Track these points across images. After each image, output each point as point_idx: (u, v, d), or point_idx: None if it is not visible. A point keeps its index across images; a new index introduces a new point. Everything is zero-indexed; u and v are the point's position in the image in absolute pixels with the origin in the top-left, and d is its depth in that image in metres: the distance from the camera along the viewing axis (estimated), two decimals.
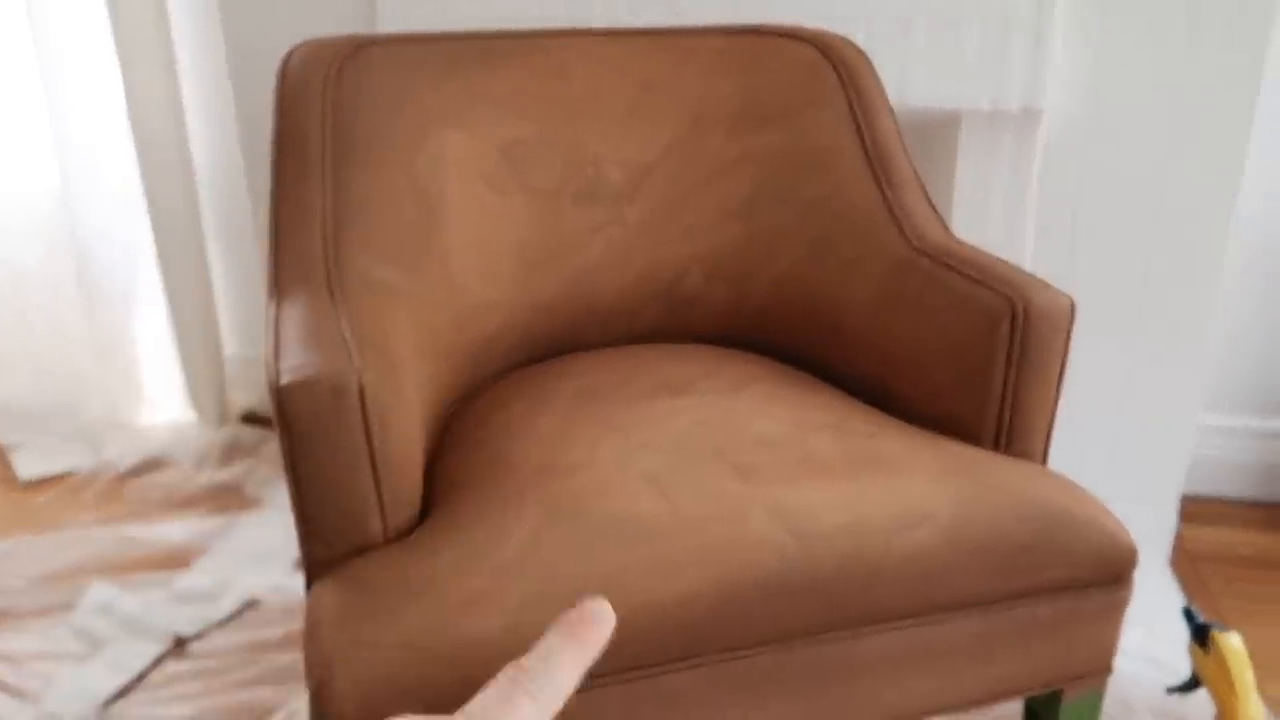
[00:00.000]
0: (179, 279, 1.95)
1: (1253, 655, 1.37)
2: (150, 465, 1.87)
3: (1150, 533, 1.56)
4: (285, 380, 0.75)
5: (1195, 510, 1.71)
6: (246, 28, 1.62)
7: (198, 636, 1.43)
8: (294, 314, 0.87)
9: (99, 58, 1.84)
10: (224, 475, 1.85)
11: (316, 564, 0.81)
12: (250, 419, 2.05)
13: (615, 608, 0.75)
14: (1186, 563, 1.58)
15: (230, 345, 2.10)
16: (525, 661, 0.28)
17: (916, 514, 0.82)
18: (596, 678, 0.76)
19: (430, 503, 0.89)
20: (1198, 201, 1.41)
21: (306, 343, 0.80)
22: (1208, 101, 1.37)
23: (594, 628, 0.29)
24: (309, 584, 0.81)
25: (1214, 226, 1.42)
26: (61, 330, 2.04)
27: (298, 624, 1.46)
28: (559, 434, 0.92)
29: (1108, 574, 0.86)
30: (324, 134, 1.00)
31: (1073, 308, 0.92)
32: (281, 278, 0.94)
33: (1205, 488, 1.75)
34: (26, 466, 1.87)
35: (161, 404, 2.05)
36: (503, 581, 0.75)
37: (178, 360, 2.00)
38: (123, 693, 1.33)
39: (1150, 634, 1.38)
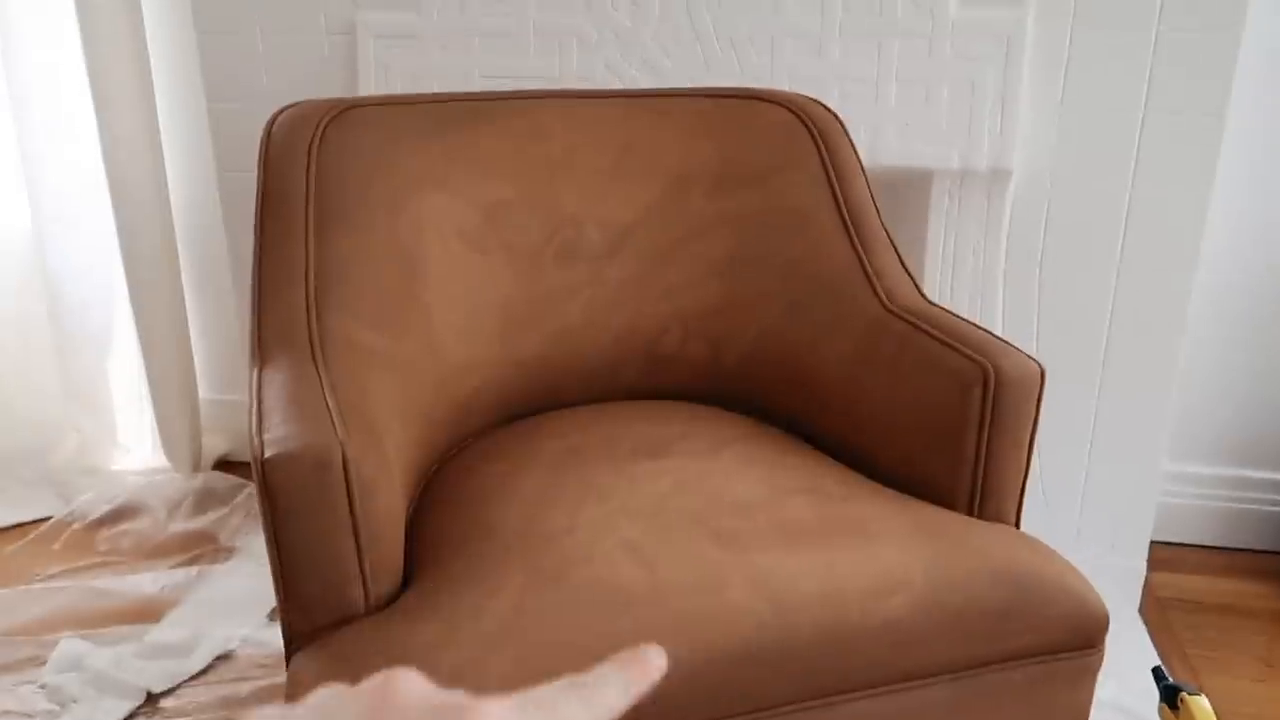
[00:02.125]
0: (153, 321, 1.94)
1: (1218, 703, 1.39)
2: (122, 513, 1.85)
3: (1120, 580, 1.59)
4: (269, 454, 0.75)
5: (1163, 557, 1.74)
6: (225, 75, 1.63)
7: (170, 692, 1.41)
8: (277, 380, 0.88)
9: (71, 97, 1.84)
10: (197, 524, 1.83)
11: (298, 634, 0.81)
12: (224, 465, 2.04)
13: None
14: (1155, 609, 1.61)
15: (205, 389, 2.09)
16: (582, 676, 0.30)
17: (891, 582, 0.84)
18: None
19: (412, 565, 0.90)
20: (1161, 255, 1.45)
21: (289, 413, 0.81)
22: (1170, 157, 1.41)
23: (647, 666, 0.31)
24: (289, 655, 0.81)
25: (1177, 279, 1.46)
26: (32, 373, 2.02)
27: (271, 677, 1.44)
28: (539, 497, 0.93)
29: (1080, 639, 0.87)
30: (308, 197, 1.01)
31: (1042, 374, 0.95)
32: (264, 341, 0.94)
33: (1172, 535, 1.78)
34: None
35: (134, 449, 2.03)
36: (485, 654, 0.75)
37: (150, 405, 1.99)
38: None
39: (1121, 684, 1.40)
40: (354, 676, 0.75)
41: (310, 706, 0.28)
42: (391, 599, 0.84)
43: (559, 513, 0.90)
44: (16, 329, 1.98)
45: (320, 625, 0.80)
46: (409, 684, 0.27)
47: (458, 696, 0.27)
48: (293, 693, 0.76)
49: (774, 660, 0.79)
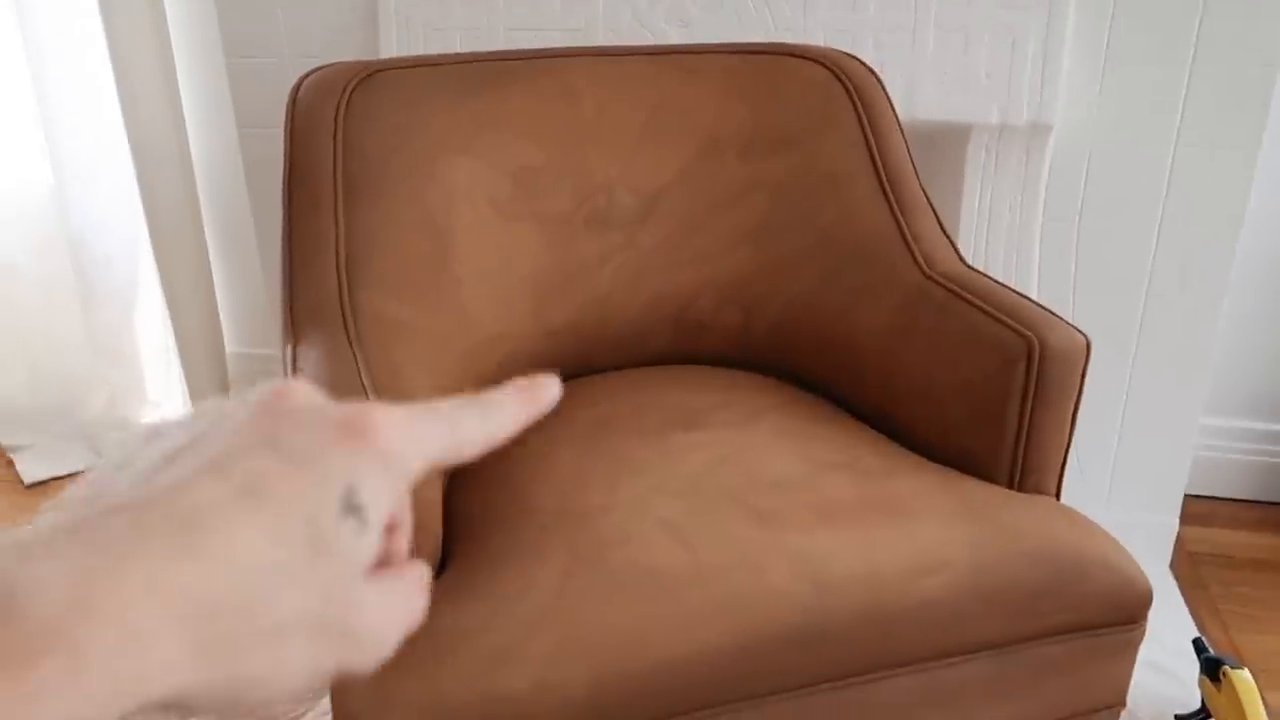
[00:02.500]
0: (178, 276, 1.93)
1: (1251, 659, 1.39)
2: None
3: (1152, 537, 1.58)
4: None
5: (1195, 511, 1.73)
6: (243, 30, 1.60)
7: None
8: (312, 358, 0.87)
9: (89, 52, 1.81)
10: None
11: None
12: None
13: (639, 660, 0.76)
14: (1186, 564, 1.60)
15: (231, 343, 2.09)
16: (478, 398, 0.30)
17: (932, 561, 0.83)
18: None
19: (449, 542, 0.90)
20: (1205, 213, 1.41)
21: (324, 392, 0.80)
22: (1218, 111, 1.36)
23: (541, 390, 0.32)
24: None
25: (1221, 238, 1.42)
26: (58, 330, 2.02)
27: None
28: (575, 473, 0.93)
29: (1123, 615, 0.87)
30: (335, 167, 0.99)
31: (1089, 346, 0.93)
32: (297, 317, 0.93)
33: (1205, 489, 1.77)
34: (30, 470, 1.86)
35: (163, 403, 2.05)
36: (529, 636, 0.76)
37: (178, 359, 1.99)
38: None
39: (1155, 641, 1.39)
40: (399, 659, 0.75)
41: (196, 413, 0.27)
42: (432, 578, 0.84)
43: (595, 490, 0.89)
44: (43, 286, 1.98)
45: None
46: (300, 391, 0.27)
47: (351, 404, 0.26)
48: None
49: (815, 641, 0.79)
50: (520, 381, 0.32)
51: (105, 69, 1.79)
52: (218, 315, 2.00)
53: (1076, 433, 1.56)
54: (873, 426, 1.07)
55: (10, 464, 1.90)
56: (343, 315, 0.92)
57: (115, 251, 1.96)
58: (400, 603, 0.27)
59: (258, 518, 0.23)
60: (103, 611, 0.20)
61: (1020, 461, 0.95)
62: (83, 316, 2.00)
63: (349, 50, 1.53)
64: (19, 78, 1.83)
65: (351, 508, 0.25)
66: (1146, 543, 1.57)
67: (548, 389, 0.32)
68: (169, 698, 0.22)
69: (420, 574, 0.28)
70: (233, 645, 0.22)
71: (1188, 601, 1.51)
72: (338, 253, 0.97)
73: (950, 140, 1.42)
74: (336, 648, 0.25)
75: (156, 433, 0.26)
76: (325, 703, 1.31)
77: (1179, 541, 1.64)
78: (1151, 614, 1.45)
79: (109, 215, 1.93)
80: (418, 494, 0.80)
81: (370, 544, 0.25)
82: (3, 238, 1.95)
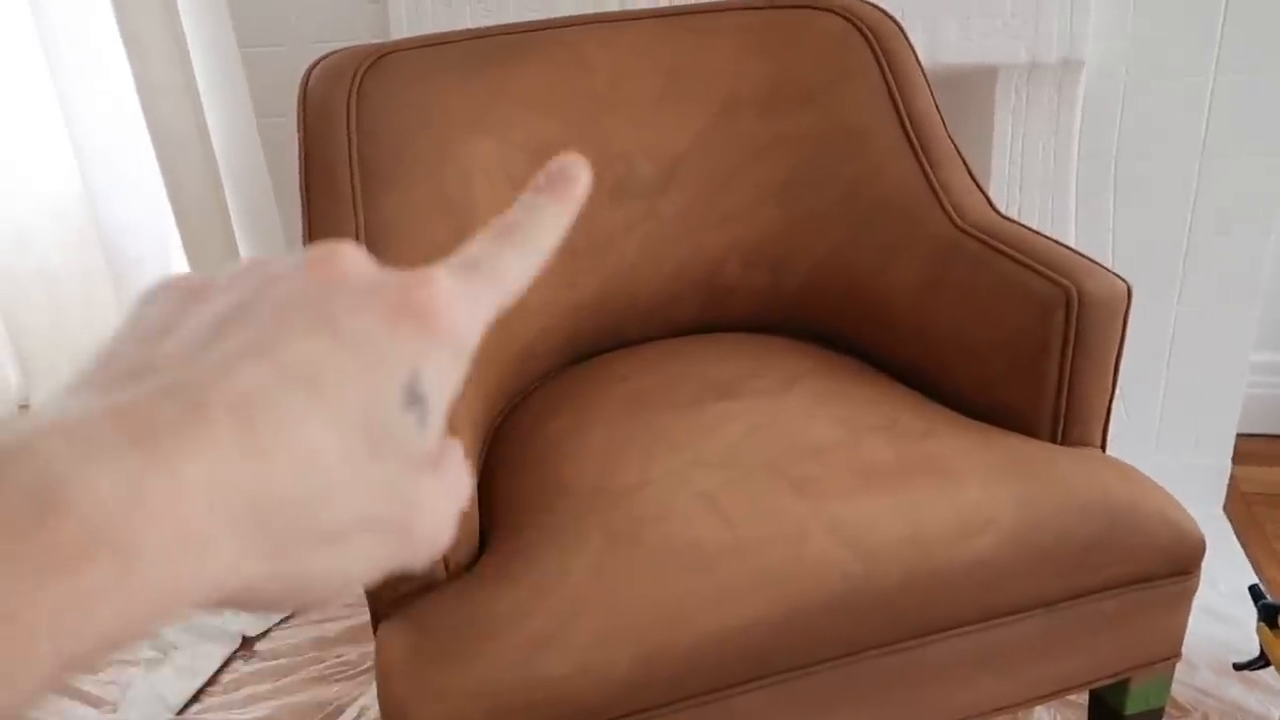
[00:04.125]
0: (208, 267, 1.95)
1: None
2: None
3: (1203, 478, 1.55)
4: None
5: (1247, 450, 1.69)
6: (255, 17, 1.59)
7: (263, 635, 1.46)
8: None
9: (106, 53, 1.81)
10: None
11: (381, 603, 0.81)
12: None
13: (681, 637, 0.76)
14: (1240, 504, 1.57)
15: None
16: (509, 218, 0.28)
17: (977, 521, 0.81)
18: (665, 705, 0.76)
19: (486, 526, 0.90)
20: (1248, 145, 1.36)
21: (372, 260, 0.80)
22: (1258, 39, 1.31)
23: (571, 185, 0.29)
24: (375, 623, 0.82)
25: (1266, 170, 1.37)
26: (97, 327, 2.05)
27: (358, 616, 1.48)
28: (609, 450, 0.92)
29: (1175, 566, 0.85)
30: (351, 156, 0.98)
31: (1129, 292, 0.90)
32: None
33: (1255, 426, 1.72)
34: None
35: None
36: (569, 619, 0.75)
37: None
38: (196, 697, 1.37)
39: (1210, 586, 1.37)
40: (441, 647, 0.75)
41: (241, 271, 0.24)
42: (470, 564, 0.84)
43: (631, 466, 0.89)
44: (78, 285, 2.01)
45: (403, 594, 0.81)
46: (350, 258, 0.24)
47: (406, 276, 0.24)
48: (384, 664, 0.77)
49: (861, 608, 0.78)
50: (544, 180, 0.28)
51: (122, 68, 1.79)
52: None
53: (1121, 378, 1.52)
54: (908, 385, 1.05)
55: None
56: None
57: (147, 248, 1.98)
58: (451, 492, 0.25)
59: (317, 410, 0.21)
60: (157, 512, 0.19)
61: (1063, 414, 0.92)
62: (120, 313, 2.02)
63: (360, 32, 1.52)
64: (41, 82, 1.84)
65: (414, 399, 0.23)
66: (1198, 485, 1.54)
67: (577, 177, 0.29)
68: (224, 597, 0.21)
69: (460, 455, 0.26)
70: (292, 546, 0.21)
71: (1243, 543, 1.48)
72: (358, 240, 0.96)
73: (978, 84, 1.38)
74: (396, 544, 0.23)
75: (196, 292, 0.24)
76: (370, 698, 1.32)
77: (1232, 482, 1.61)
78: (1205, 558, 1.43)
79: (138, 212, 1.94)
80: None
81: (432, 437, 0.24)
82: (39, 241, 1.98)
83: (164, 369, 0.21)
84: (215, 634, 1.46)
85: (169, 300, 0.24)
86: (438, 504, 0.24)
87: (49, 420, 0.19)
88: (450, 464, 0.25)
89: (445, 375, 0.24)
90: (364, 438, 0.22)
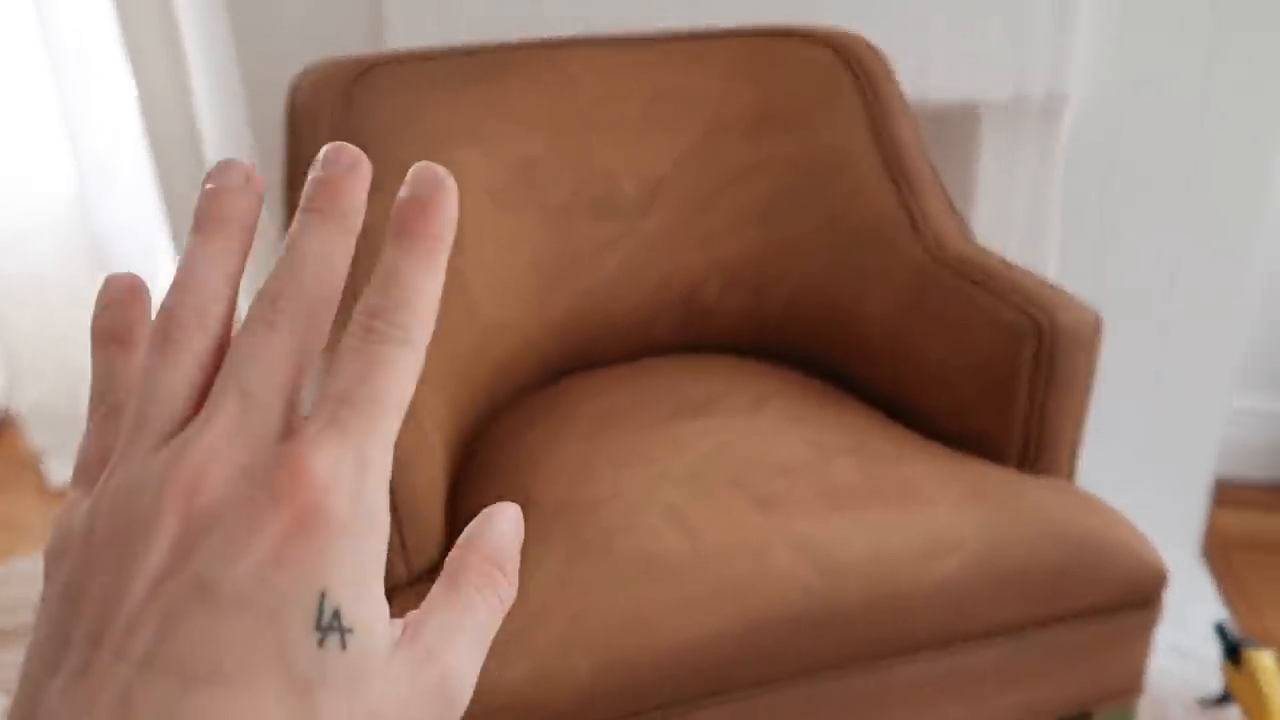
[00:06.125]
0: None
1: None
2: None
3: (1180, 520, 1.55)
4: None
5: (1224, 494, 1.69)
6: (256, 32, 1.61)
7: None
8: None
9: (108, 58, 1.83)
10: None
11: None
12: None
13: (643, 647, 0.76)
14: (1216, 549, 1.57)
15: None
16: (373, 300, 0.22)
17: (942, 544, 0.82)
18: (625, 718, 0.76)
19: (453, 536, 0.89)
20: (1231, 185, 1.38)
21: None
22: (1238, 79, 1.33)
23: (432, 214, 0.22)
24: None
25: (1248, 211, 1.39)
26: (85, 332, 2.05)
27: None
28: (581, 463, 0.92)
29: (1137, 597, 0.85)
30: None
31: (1099, 324, 0.90)
32: None
33: (1234, 471, 1.73)
34: (59, 472, 1.89)
35: None
36: (530, 625, 0.75)
37: None
38: None
39: (1180, 627, 1.37)
40: None
41: (71, 566, 0.21)
42: (433, 570, 0.84)
43: (600, 479, 0.89)
44: (69, 288, 2.01)
45: None
46: (210, 462, 0.20)
47: (268, 467, 0.20)
48: None
49: (822, 625, 0.78)
50: (400, 223, 0.22)
51: (123, 74, 1.81)
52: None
53: (1103, 414, 1.53)
54: (883, 409, 1.06)
55: (39, 467, 1.92)
56: (345, 311, 0.92)
57: (137, 254, 1.98)
58: (440, 657, 0.22)
59: (227, 702, 0.19)
60: None
61: (1032, 443, 0.93)
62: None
63: (357, 46, 1.54)
64: (43, 87, 1.85)
65: (328, 624, 0.20)
66: (1175, 526, 1.54)
67: (436, 203, 0.22)
68: None
69: (443, 599, 0.23)
70: None
71: (1220, 588, 1.48)
72: None
73: (963, 120, 1.40)
74: None
75: (70, 576, 0.20)
76: None
77: (1209, 525, 1.61)
78: (1179, 600, 1.43)
79: (130, 218, 1.95)
80: (418, 484, 0.80)
81: (367, 642, 0.20)
82: (30, 246, 1.98)
83: (65, 708, 0.19)
84: None
85: (56, 581, 0.21)
86: (424, 684, 0.22)
87: None
88: (424, 630, 0.22)
89: (355, 567, 0.20)
90: (290, 694, 0.19)
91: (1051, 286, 0.94)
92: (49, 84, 1.85)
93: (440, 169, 0.23)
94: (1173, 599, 1.42)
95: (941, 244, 1.05)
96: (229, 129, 1.94)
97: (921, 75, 1.34)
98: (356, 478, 0.21)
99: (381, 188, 1.01)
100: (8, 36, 1.83)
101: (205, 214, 0.23)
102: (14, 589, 1.57)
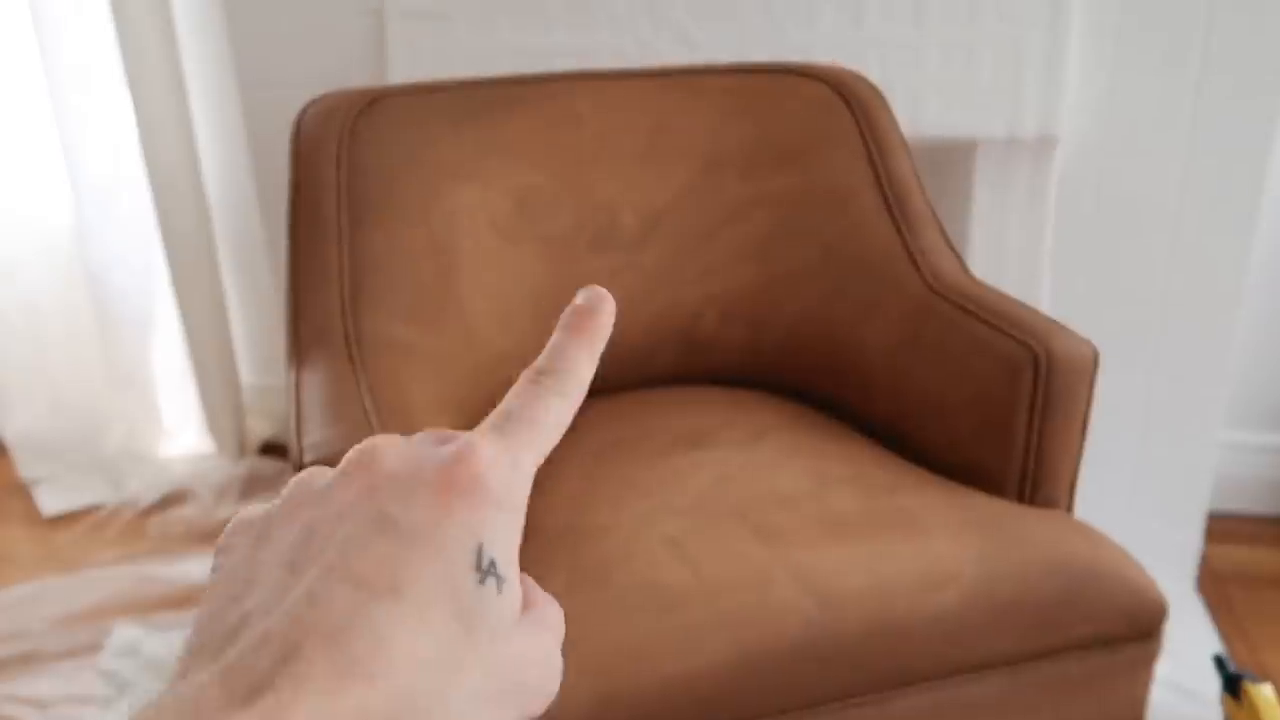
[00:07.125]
0: (194, 307, 1.95)
1: (1279, 679, 1.36)
2: (171, 499, 1.88)
3: (1175, 554, 1.55)
4: (309, 459, 0.75)
5: (1219, 529, 1.70)
6: (257, 60, 1.62)
7: None
8: (314, 382, 0.87)
9: (110, 88, 1.84)
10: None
11: None
12: (269, 449, 2.06)
13: (644, 677, 0.75)
14: (1211, 583, 1.57)
15: (247, 374, 2.10)
16: (541, 363, 0.28)
17: (941, 575, 0.82)
18: None
19: None
20: (1217, 222, 1.40)
21: (327, 417, 0.80)
22: (1226, 121, 1.35)
23: (597, 318, 0.30)
24: None
25: (1234, 247, 1.40)
26: (79, 361, 2.04)
27: None
28: (580, 494, 0.92)
29: (1137, 630, 0.85)
30: (339, 194, 1.00)
31: (1096, 355, 0.91)
32: (302, 342, 0.94)
33: (1229, 505, 1.74)
34: (49, 502, 1.88)
35: (179, 434, 2.06)
36: None
37: (195, 390, 2.01)
38: None
39: (1177, 662, 1.37)
40: None
41: (293, 498, 0.26)
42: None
43: (599, 510, 0.89)
44: (64, 320, 2.01)
45: None
46: (386, 451, 0.25)
47: (442, 447, 0.25)
48: None
49: (823, 656, 0.78)
50: (570, 318, 0.29)
51: (124, 101, 1.82)
52: (233, 346, 2.01)
53: (1096, 448, 1.54)
54: (881, 441, 1.06)
55: (29, 496, 1.91)
56: (346, 339, 0.93)
57: (133, 284, 1.98)
58: (549, 633, 0.26)
59: (406, 613, 0.22)
60: None
61: (1030, 474, 0.93)
62: (102, 349, 2.02)
63: (358, 78, 1.55)
64: (42, 113, 1.86)
65: (486, 568, 0.24)
66: (1170, 560, 1.55)
67: (601, 310, 0.30)
68: None
69: (541, 595, 0.27)
70: None
71: (1215, 622, 1.48)
72: (342, 277, 0.97)
73: (957, 157, 1.42)
74: (514, 704, 0.24)
75: (260, 535, 0.25)
76: None
77: (1204, 560, 1.61)
78: (1176, 634, 1.43)
79: (127, 247, 1.95)
80: None
81: (513, 595, 0.25)
82: (26, 275, 1.98)
83: (255, 621, 0.22)
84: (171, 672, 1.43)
85: (240, 549, 0.25)
86: (540, 652, 0.25)
87: (165, 699, 0.21)
88: (542, 608, 0.26)
89: (505, 535, 0.25)
90: (455, 623, 0.23)
91: (1048, 319, 0.95)
92: (48, 112, 1.86)
93: (604, 291, 0.30)
94: (1171, 635, 1.42)
95: (939, 277, 1.06)
96: (229, 160, 1.95)
97: (916, 112, 1.36)
98: (510, 470, 0.25)
99: (385, 219, 1.01)
100: (7, 65, 1.84)
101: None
102: (3, 619, 1.55)
